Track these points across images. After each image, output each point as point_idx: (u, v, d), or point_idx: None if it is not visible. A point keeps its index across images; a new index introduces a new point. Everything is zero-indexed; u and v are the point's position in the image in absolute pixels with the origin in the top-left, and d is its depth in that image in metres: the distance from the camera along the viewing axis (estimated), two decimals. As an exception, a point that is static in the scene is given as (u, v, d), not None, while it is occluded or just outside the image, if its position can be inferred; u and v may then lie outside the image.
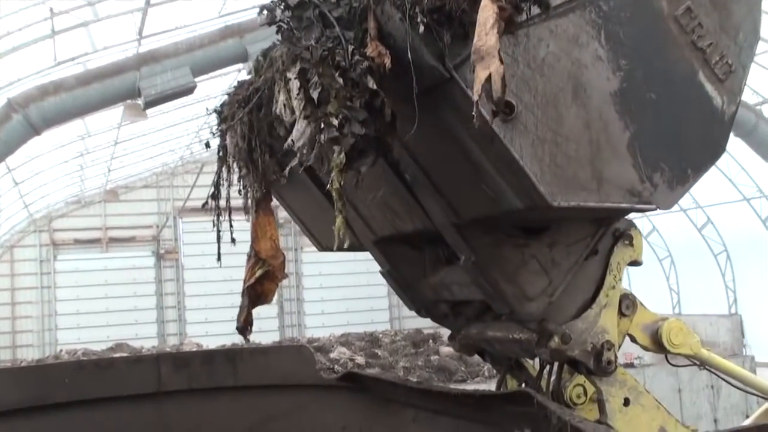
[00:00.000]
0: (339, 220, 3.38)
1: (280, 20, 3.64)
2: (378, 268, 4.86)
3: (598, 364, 3.93)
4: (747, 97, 23.19)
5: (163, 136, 29.57)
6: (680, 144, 3.53)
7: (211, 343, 22.61)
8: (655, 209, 3.52)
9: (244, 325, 4.39)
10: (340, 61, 3.26)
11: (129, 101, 19.20)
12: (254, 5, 19.90)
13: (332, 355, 22.82)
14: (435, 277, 4.49)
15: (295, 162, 3.48)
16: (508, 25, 2.82)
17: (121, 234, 36.53)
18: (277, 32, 3.71)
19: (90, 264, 35.74)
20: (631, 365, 20.32)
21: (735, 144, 24.66)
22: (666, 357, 4.45)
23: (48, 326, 35.31)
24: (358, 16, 3.37)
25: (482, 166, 3.28)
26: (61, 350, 31.18)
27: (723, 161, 26.99)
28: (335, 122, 3.22)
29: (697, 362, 4.51)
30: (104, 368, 5.75)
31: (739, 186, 28.16)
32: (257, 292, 4.35)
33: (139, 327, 34.55)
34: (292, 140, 3.39)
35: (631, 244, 4.07)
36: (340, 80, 3.25)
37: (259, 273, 4.23)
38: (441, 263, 4.49)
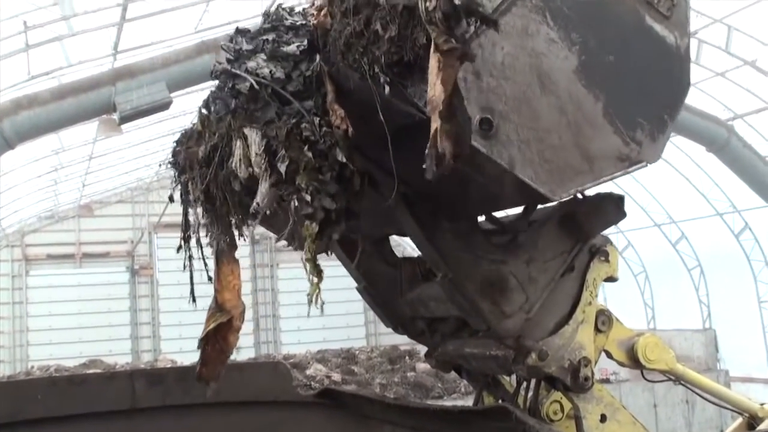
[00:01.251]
0: (313, 288, 3.39)
1: (236, 106, 3.60)
2: (354, 284, 4.85)
3: (575, 380, 3.93)
4: (719, 112, 23.47)
5: (139, 151, 29.39)
6: (649, 94, 3.51)
7: (185, 360, 22.45)
8: (646, 165, 3.50)
9: (203, 374, 4.27)
10: (309, 135, 3.28)
11: (104, 116, 19.06)
12: (230, 21, 19.93)
13: (308, 372, 22.70)
14: (412, 293, 4.49)
15: (256, 222, 3.52)
16: (463, 58, 2.79)
17: (95, 249, 36.23)
18: (231, 115, 3.67)
19: (63, 279, 35.41)
20: (607, 381, 20.39)
21: (708, 159, 24.91)
22: (642, 372, 4.46)
23: (20, 342, 34.89)
24: (314, 83, 3.40)
25: (475, 181, 3.29)
26: (32, 366, 30.80)
27: (696, 176, 27.28)
28: (308, 197, 3.24)
29: (673, 377, 4.53)
30: (77, 384, 5.69)
31: (711, 201, 28.39)
32: (218, 346, 4.25)
33: (113, 343, 34.22)
34: (257, 203, 3.40)
35: (607, 260, 4.09)
36: (309, 154, 3.27)
37: (213, 325, 4.14)
38: (418, 280, 4.49)
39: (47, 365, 28.39)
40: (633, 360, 4.28)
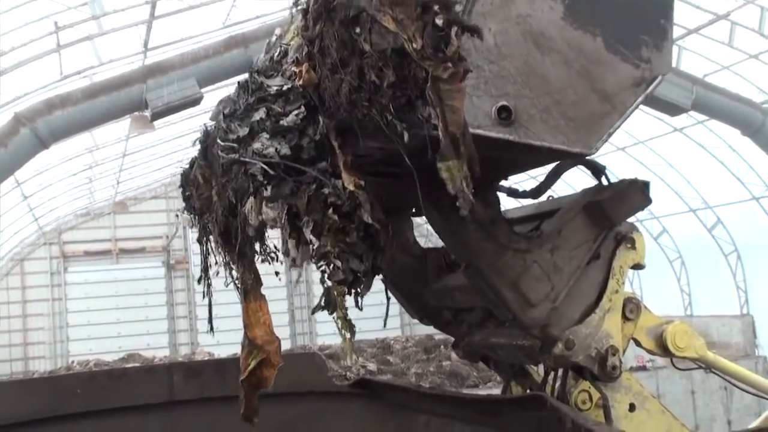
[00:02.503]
0: (348, 344, 3.47)
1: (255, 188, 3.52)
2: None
3: (603, 369, 3.91)
4: (753, 95, 23.17)
5: (171, 147, 29.64)
6: (638, 6, 3.43)
7: (222, 352, 22.62)
8: (662, 78, 3.44)
9: (249, 414, 4.26)
10: (333, 200, 3.22)
11: (136, 113, 19.26)
12: (257, 15, 20.00)
13: (344, 363, 22.78)
14: (437, 284, 4.48)
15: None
16: (466, 74, 2.74)
17: (130, 245, 36.63)
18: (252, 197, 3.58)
19: (100, 275, 35.84)
20: (643, 368, 20.24)
21: (743, 143, 24.61)
22: (672, 361, 4.43)
23: (60, 338, 35.40)
24: (326, 142, 3.32)
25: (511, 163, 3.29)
26: (72, 361, 31.24)
27: (731, 161, 26.96)
28: (337, 262, 3.21)
29: (703, 365, 4.48)
30: (116, 378, 5.78)
31: (748, 185, 28.06)
32: (255, 381, 4.23)
33: (151, 337, 34.61)
34: (293, 260, 3.45)
35: (634, 247, 4.05)
36: (334, 216, 3.21)
37: (253, 363, 4.12)
38: (442, 270, 4.48)
39: (87, 360, 28.78)
40: (662, 348, 4.23)
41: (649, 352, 4.29)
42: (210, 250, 4.23)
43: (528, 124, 3.10)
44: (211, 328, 4.41)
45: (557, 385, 4.30)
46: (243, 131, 3.55)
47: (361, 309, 3.55)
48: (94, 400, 5.49)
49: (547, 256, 3.84)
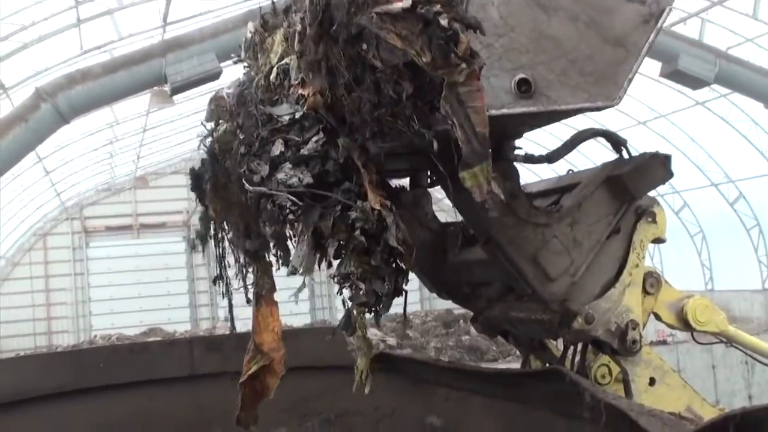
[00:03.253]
0: (363, 363, 3.52)
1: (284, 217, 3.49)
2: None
3: (623, 343, 3.90)
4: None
5: (191, 121, 29.67)
6: None
7: (243, 327, 22.68)
8: (669, 9, 3.36)
9: (246, 420, 4.22)
10: (361, 224, 3.14)
11: (156, 88, 19.29)
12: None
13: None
14: (455, 258, 4.47)
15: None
16: (480, 70, 2.73)
17: (151, 220, 36.82)
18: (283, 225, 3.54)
19: (122, 250, 36.10)
20: (664, 342, 20.19)
21: (766, 116, 24.34)
22: (692, 335, 4.42)
23: (82, 312, 35.75)
24: (350, 162, 3.24)
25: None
26: (95, 336, 31.60)
27: (753, 134, 26.68)
28: (362, 285, 3.15)
29: (724, 339, 4.47)
30: (138, 352, 5.84)
31: (770, 159, 27.80)
32: (256, 388, 4.20)
33: (172, 312, 34.88)
34: (294, 267, 3.39)
35: (654, 221, 4.03)
36: (361, 238, 3.13)
37: (254, 368, 4.09)
38: (462, 244, 4.46)
39: (109, 334, 29.09)
40: (683, 322, 4.22)
41: (670, 326, 4.28)
42: (225, 250, 4.23)
43: (548, 91, 3.09)
44: (233, 328, 4.40)
45: (576, 359, 4.30)
46: (264, 170, 3.47)
47: (379, 327, 3.50)
48: (116, 373, 5.56)
49: (566, 230, 3.82)
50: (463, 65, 2.65)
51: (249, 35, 4.05)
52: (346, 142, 3.20)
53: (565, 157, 4.26)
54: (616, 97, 3.21)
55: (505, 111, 2.97)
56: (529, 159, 4.16)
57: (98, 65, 17.62)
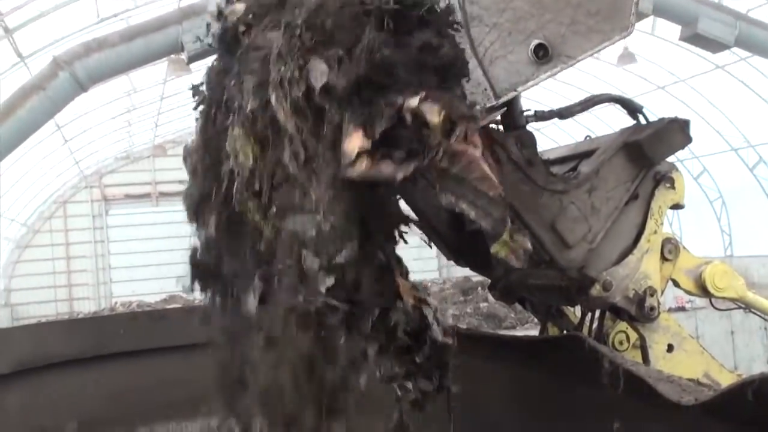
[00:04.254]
0: None
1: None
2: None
3: (641, 310, 3.90)
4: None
5: (208, 89, 29.66)
6: None
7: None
8: None
9: None
10: (402, 331, 2.97)
11: (173, 56, 19.26)
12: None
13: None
14: (471, 225, 4.44)
15: None
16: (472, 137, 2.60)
17: (170, 188, 36.95)
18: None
19: (141, 218, 36.31)
20: (682, 309, 20.15)
21: (788, 81, 24.07)
22: (711, 301, 4.40)
23: (103, 279, 36.06)
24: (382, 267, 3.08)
25: None
26: (116, 302, 31.88)
27: (775, 99, 26.36)
28: (409, 385, 3.03)
29: (743, 306, 4.45)
30: (157, 319, 5.88)
31: (791, 123, 27.50)
32: None
33: (191, 279, 35.09)
34: None
35: (673, 187, 4.00)
36: (405, 337, 2.98)
37: None
38: None
39: (129, 301, 29.34)
40: (701, 288, 4.20)
41: (688, 292, 4.26)
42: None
43: (564, 47, 3.04)
44: None
45: (594, 326, 4.30)
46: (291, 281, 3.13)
47: None
48: (136, 340, 5.61)
49: (584, 197, 3.80)
50: (455, 148, 2.50)
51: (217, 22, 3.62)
52: (384, 247, 3.08)
53: (583, 123, 4.23)
54: (629, 24, 3.16)
55: (531, 84, 2.93)
56: (541, 117, 4.11)
57: (115, 34, 17.58)
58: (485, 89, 2.86)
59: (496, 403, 4.13)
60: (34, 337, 5.53)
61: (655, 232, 3.96)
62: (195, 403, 4.80)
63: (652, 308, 3.90)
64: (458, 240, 4.53)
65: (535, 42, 2.99)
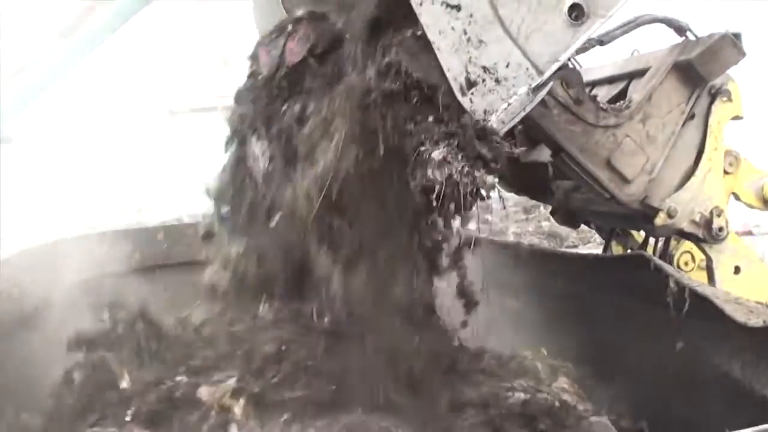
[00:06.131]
0: None
1: None
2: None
3: (709, 232, 3.82)
4: None
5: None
6: None
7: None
8: None
9: None
10: None
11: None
12: None
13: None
14: (525, 158, 4.35)
15: None
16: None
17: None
18: None
19: (206, 131, 36.65)
20: (749, 233, 19.77)
21: None
22: None
23: (169, 191, 36.69)
24: None
25: None
26: (182, 215, 32.50)
27: None
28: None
29: None
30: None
31: None
32: None
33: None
34: None
35: (730, 99, 3.84)
36: None
37: None
38: (531, 145, 4.31)
39: (195, 213, 29.88)
40: (763, 201, 4.07)
41: (749, 206, 4.15)
42: None
43: (599, 1, 2.77)
44: None
45: (659, 245, 4.24)
46: None
47: None
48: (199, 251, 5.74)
49: (638, 127, 3.69)
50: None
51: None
52: None
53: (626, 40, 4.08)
54: None
55: (572, 49, 2.77)
56: (581, 49, 3.98)
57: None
58: (527, 68, 2.72)
59: (558, 321, 4.13)
60: (104, 244, 5.67)
61: (716, 149, 3.83)
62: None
63: (720, 229, 3.82)
64: (516, 173, 4.48)
65: (569, 3, 2.81)
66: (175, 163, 35.79)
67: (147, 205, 35.61)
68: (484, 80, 2.71)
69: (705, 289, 3.06)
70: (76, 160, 32.51)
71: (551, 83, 2.84)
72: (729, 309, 2.79)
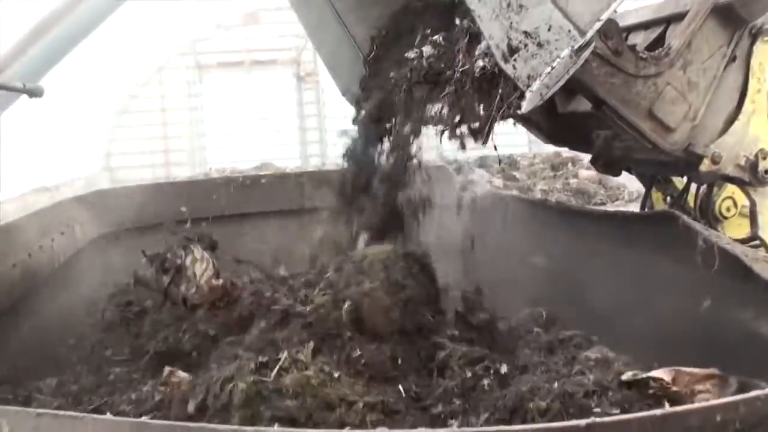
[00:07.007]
0: None
1: None
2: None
3: (755, 175, 3.74)
4: None
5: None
6: None
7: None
8: None
9: None
10: None
11: None
12: None
13: (470, 177, 22.88)
14: (564, 108, 4.29)
15: None
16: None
17: (262, 57, 37.03)
18: None
19: (234, 87, 36.61)
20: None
21: None
22: None
23: (198, 146, 36.81)
24: None
25: None
26: (210, 168, 32.64)
27: None
28: None
29: None
30: (250, 186, 6.03)
31: None
32: None
33: (282, 148, 35.51)
34: None
35: None
36: None
37: None
38: (569, 96, 4.25)
39: (224, 168, 29.98)
40: None
41: None
42: None
43: None
44: None
45: (701, 190, 4.19)
46: None
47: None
48: (232, 204, 5.79)
49: (679, 74, 3.60)
50: None
51: None
52: None
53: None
54: None
55: (614, 6, 2.72)
56: None
57: None
58: (569, 30, 2.67)
59: (587, 278, 4.13)
60: (133, 199, 5.73)
61: (759, 90, 3.73)
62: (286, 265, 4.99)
63: (766, 171, 3.73)
64: (553, 123, 4.43)
65: None
66: (204, 118, 35.91)
67: (175, 159, 35.84)
68: (526, 45, 2.69)
69: (734, 248, 3.04)
70: (104, 114, 32.68)
71: (593, 43, 2.80)
72: (758, 268, 2.78)
